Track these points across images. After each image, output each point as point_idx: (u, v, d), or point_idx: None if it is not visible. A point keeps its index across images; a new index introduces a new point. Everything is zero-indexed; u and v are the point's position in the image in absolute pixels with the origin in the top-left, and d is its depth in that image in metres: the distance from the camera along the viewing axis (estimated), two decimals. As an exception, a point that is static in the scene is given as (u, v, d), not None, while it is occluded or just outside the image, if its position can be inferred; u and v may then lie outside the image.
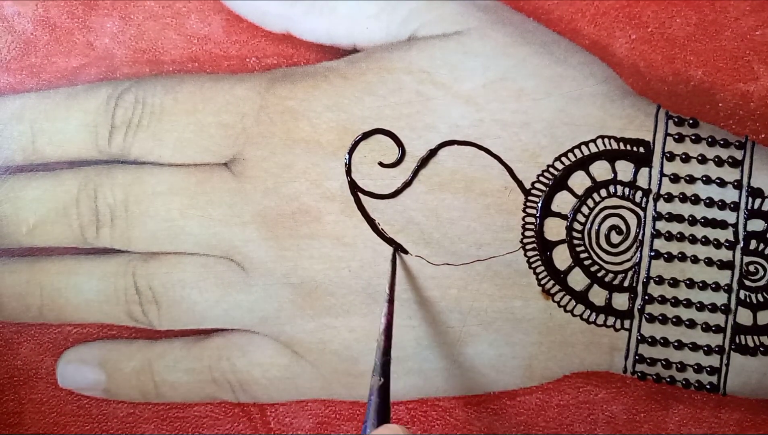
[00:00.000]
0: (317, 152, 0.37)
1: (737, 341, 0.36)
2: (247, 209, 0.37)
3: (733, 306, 0.36)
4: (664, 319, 0.36)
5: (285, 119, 0.37)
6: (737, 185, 0.36)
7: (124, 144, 0.38)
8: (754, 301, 0.36)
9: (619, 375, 0.37)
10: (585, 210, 0.36)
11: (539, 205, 0.36)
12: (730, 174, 0.36)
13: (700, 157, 0.36)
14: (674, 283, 0.36)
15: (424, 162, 0.37)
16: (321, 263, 0.37)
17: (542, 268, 0.37)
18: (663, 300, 0.36)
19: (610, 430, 0.37)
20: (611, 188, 0.36)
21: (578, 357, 0.37)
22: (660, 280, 0.36)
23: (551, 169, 0.36)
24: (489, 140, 0.36)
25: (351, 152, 0.37)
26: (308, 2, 0.37)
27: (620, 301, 0.36)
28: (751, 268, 0.36)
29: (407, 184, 0.37)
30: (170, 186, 0.38)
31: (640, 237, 0.36)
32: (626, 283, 0.36)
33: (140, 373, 0.38)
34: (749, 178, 0.36)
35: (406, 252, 0.37)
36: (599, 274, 0.36)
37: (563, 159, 0.36)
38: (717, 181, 0.36)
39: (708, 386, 0.36)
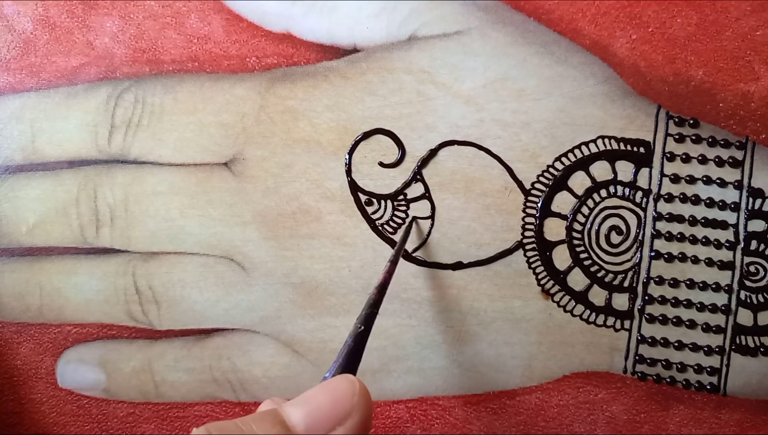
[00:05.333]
0: (317, 152, 0.37)
1: (738, 342, 0.36)
2: (247, 209, 0.37)
3: (733, 306, 0.36)
4: (664, 320, 0.36)
5: (285, 119, 0.37)
6: (738, 186, 0.35)
7: (124, 143, 0.38)
8: (755, 302, 0.36)
9: (619, 375, 0.37)
10: (585, 210, 0.36)
11: (539, 205, 0.36)
12: (730, 174, 0.36)
13: (700, 158, 0.36)
14: (674, 283, 0.36)
15: (424, 162, 0.37)
16: (321, 263, 0.37)
17: (542, 268, 0.36)
18: (663, 300, 0.36)
19: (610, 431, 0.37)
20: (611, 188, 0.36)
21: (578, 357, 0.37)
22: (660, 281, 0.36)
23: (551, 170, 0.36)
24: (489, 140, 0.36)
25: (351, 152, 0.37)
26: (308, 2, 0.37)
27: (620, 301, 0.36)
28: (752, 268, 0.36)
29: (407, 184, 0.37)
30: (170, 186, 0.38)
31: (640, 237, 0.36)
32: (626, 284, 0.36)
33: (140, 373, 0.38)
34: (750, 178, 0.35)
35: (413, 260, 0.37)
36: (599, 275, 0.36)
37: (563, 159, 0.36)
38: (717, 181, 0.36)
39: (708, 387, 0.36)
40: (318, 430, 0.24)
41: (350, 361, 0.28)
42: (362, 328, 0.29)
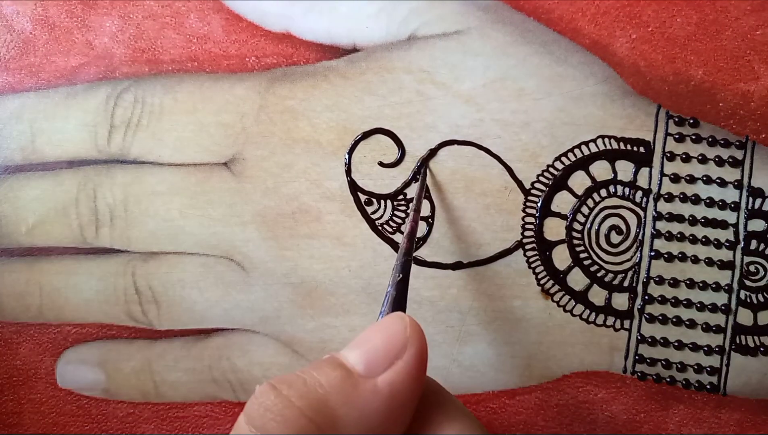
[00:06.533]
0: (317, 152, 0.37)
1: (738, 341, 0.36)
2: (246, 209, 0.37)
3: (733, 306, 0.36)
4: (664, 319, 0.36)
5: (285, 119, 0.37)
6: (738, 185, 0.35)
7: (123, 143, 0.38)
8: (755, 302, 0.36)
9: (619, 375, 0.37)
10: (585, 210, 0.36)
11: (539, 205, 0.36)
12: (730, 174, 0.36)
13: (700, 157, 0.36)
14: (674, 283, 0.36)
15: (424, 162, 0.37)
16: (321, 263, 0.37)
17: (542, 268, 0.36)
18: (663, 300, 0.36)
19: (609, 430, 0.37)
20: (611, 188, 0.36)
21: (578, 357, 0.37)
22: (660, 280, 0.36)
23: (551, 169, 0.36)
24: (489, 140, 0.36)
25: (351, 152, 0.37)
26: (308, 1, 0.37)
27: (620, 301, 0.36)
28: (752, 268, 0.36)
29: (407, 184, 0.37)
30: (170, 186, 0.38)
31: (640, 237, 0.36)
32: (626, 283, 0.36)
33: (140, 373, 0.38)
34: (750, 178, 0.35)
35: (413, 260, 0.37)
36: (599, 274, 0.36)
37: (563, 159, 0.36)
38: (717, 181, 0.36)
39: (708, 386, 0.36)
40: (378, 367, 0.25)
41: (396, 306, 0.29)
42: (401, 276, 0.30)
